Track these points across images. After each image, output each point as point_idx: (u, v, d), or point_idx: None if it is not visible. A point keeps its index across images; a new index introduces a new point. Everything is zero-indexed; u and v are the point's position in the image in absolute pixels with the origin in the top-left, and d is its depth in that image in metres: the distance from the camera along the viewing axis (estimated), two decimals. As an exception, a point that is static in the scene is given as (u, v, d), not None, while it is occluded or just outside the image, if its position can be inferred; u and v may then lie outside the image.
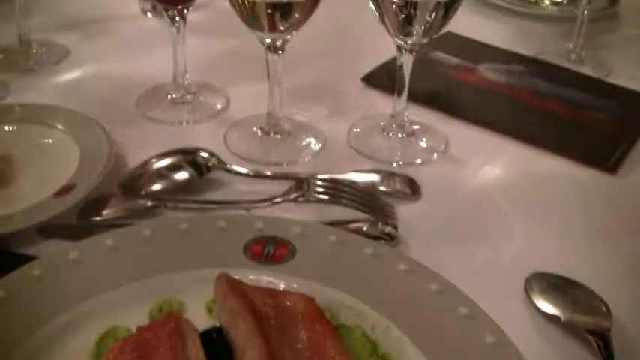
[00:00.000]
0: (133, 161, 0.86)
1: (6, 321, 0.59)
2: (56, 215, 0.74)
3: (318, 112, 0.99)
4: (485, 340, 0.58)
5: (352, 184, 0.81)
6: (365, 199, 0.78)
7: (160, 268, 0.65)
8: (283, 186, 0.81)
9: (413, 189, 0.83)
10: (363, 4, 0.84)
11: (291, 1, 0.80)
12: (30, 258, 0.67)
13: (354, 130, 0.95)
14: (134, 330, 0.59)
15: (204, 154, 0.84)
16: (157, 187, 0.81)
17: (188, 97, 1.01)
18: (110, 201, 0.78)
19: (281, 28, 0.82)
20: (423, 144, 0.94)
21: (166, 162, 0.83)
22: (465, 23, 1.08)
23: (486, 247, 0.76)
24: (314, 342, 0.57)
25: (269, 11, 0.80)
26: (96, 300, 0.62)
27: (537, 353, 0.62)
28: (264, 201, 0.78)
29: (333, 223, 0.74)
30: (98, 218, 0.76)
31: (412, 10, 0.79)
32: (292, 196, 0.78)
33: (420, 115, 0.98)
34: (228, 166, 0.84)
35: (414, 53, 0.86)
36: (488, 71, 1.13)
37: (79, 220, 0.76)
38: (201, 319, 0.60)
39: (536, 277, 0.69)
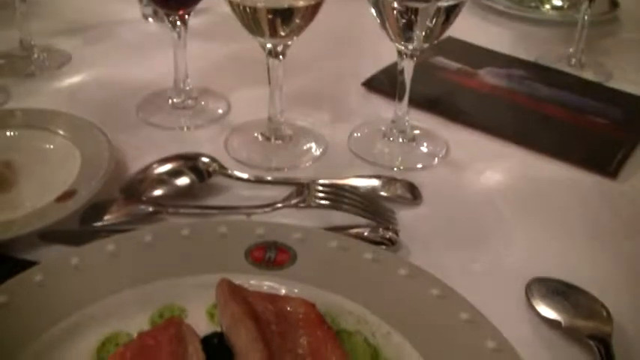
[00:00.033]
0: (134, 166, 0.86)
1: (7, 326, 0.59)
2: (57, 221, 0.74)
3: (319, 117, 0.99)
4: (486, 346, 0.58)
5: (353, 190, 0.81)
6: (366, 204, 0.78)
7: (161, 273, 0.65)
8: (284, 191, 0.81)
9: (414, 194, 0.83)
10: (364, 9, 0.84)
11: (292, 6, 0.81)
12: (31, 263, 0.67)
13: (355, 135, 0.95)
14: (135, 336, 0.59)
15: (206, 160, 0.84)
16: (158, 192, 0.81)
17: (189, 102, 1.01)
18: (111, 206, 0.78)
19: (282, 33, 0.82)
20: (423, 149, 0.94)
21: (167, 167, 0.83)
22: (466, 28, 1.08)
23: (487, 252, 0.76)
24: (315, 347, 0.57)
25: (270, 17, 0.80)
26: (97, 305, 0.62)
27: (538, 358, 0.62)
28: (265, 206, 0.78)
29: (334, 229, 0.74)
30: (99, 223, 0.76)
31: (413, 16, 0.79)
32: (293, 201, 0.78)
33: (420, 120, 0.98)
34: (229, 171, 0.84)
35: (415, 58, 0.86)
36: (488, 76, 1.13)
37: (81, 226, 0.76)
38: (202, 325, 0.60)
39: (536, 282, 0.69)
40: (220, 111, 1.01)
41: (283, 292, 0.64)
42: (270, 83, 0.89)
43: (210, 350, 0.56)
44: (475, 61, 1.17)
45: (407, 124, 0.93)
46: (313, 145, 0.93)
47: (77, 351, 0.59)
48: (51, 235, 0.73)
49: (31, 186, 0.82)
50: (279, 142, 0.92)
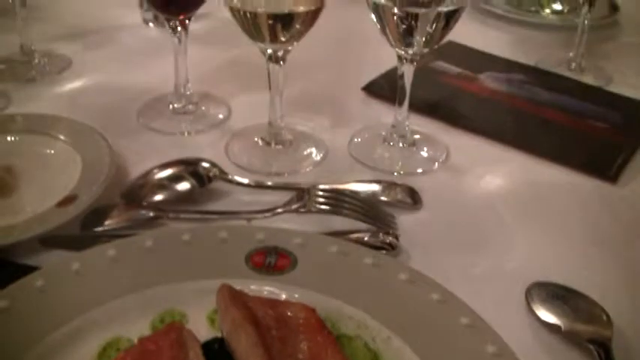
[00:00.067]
0: (135, 171, 0.86)
1: (8, 331, 0.59)
2: (58, 226, 0.74)
3: (319, 122, 1.00)
4: (486, 350, 0.58)
5: (353, 194, 0.81)
6: (366, 209, 0.78)
7: (162, 278, 0.65)
8: (284, 196, 0.81)
9: (414, 199, 0.83)
10: (364, 14, 0.84)
11: (293, 12, 0.81)
12: (32, 268, 0.67)
13: (355, 139, 0.96)
14: (136, 341, 0.59)
15: (206, 165, 0.85)
16: (158, 197, 0.81)
17: (190, 107, 1.01)
18: (112, 211, 0.78)
19: (282, 39, 0.82)
20: (424, 153, 0.94)
21: (168, 172, 0.83)
22: (466, 32, 1.08)
23: (487, 256, 0.76)
24: (315, 353, 0.57)
25: (270, 22, 0.81)
26: (98, 311, 0.62)
27: (538, 363, 0.62)
28: (266, 211, 0.78)
29: (334, 234, 0.74)
30: (100, 228, 0.76)
31: (413, 22, 0.80)
32: (294, 206, 0.78)
33: (420, 125, 0.98)
34: (230, 176, 0.84)
35: (415, 63, 0.86)
36: (488, 80, 1.13)
37: (82, 231, 0.76)
38: (203, 330, 0.60)
39: (536, 287, 0.69)
40: (221, 116, 1.01)
41: (284, 297, 0.64)
42: (270, 88, 0.89)
43: (210, 356, 0.56)
44: (475, 66, 1.17)
45: (407, 128, 0.93)
46: (313, 150, 0.93)
47: (78, 356, 0.59)
48: (52, 240, 0.73)
49: (32, 191, 0.82)
50: (280, 147, 0.93)
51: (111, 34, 1.27)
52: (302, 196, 0.79)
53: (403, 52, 0.85)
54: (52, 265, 0.67)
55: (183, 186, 0.82)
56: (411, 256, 0.74)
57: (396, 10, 0.80)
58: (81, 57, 1.18)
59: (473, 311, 0.62)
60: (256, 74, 0.91)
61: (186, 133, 0.97)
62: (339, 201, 0.79)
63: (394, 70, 0.90)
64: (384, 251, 0.73)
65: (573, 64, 1.18)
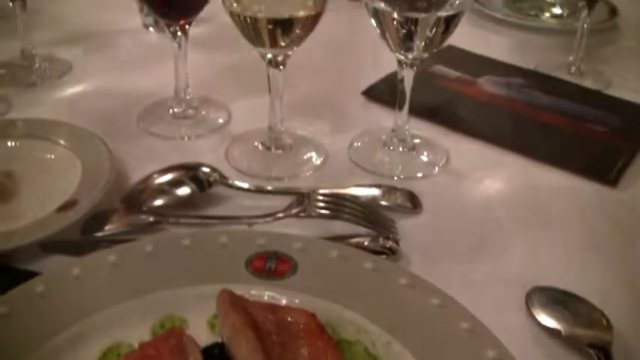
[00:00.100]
0: (135, 176, 0.86)
1: (8, 337, 0.59)
2: (58, 231, 0.74)
3: (319, 127, 1.00)
4: (486, 355, 0.58)
5: (353, 199, 0.81)
6: (366, 213, 0.78)
7: (162, 284, 0.65)
8: (285, 201, 0.81)
9: (414, 203, 0.83)
10: (364, 19, 0.84)
11: (292, 17, 0.81)
12: (33, 274, 0.67)
13: (355, 144, 0.96)
14: (136, 346, 0.59)
15: (206, 169, 0.85)
16: (158, 202, 0.81)
17: (190, 111, 1.01)
18: (112, 216, 0.78)
19: (282, 43, 0.82)
20: (424, 158, 0.94)
21: (168, 177, 0.83)
22: (465, 36, 1.08)
23: (487, 261, 0.76)
24: (315, 358, 0.57)
25: (270, 27, 0.81)
26: (98, 316, 0.62)
27: (538, 368, 0.62)
28: (266, 216, 0.78)
29: (335, 238, 0.74)
30: (100, 233, 0.76)
31: (413, 26, 0.80)
32: (294, 211, 0.78)
33: (420, 129, 0.98)
34: (230, 181, 0.84)
35: (415, 68, 0.86)
36: (488, 84, 1.13)
37: (82, 236, 0.76)
38: (203, 336, 0.61)
39: (536, 291, 0.69)
40: (221, 120, 1.01)
41: (284, 302, 0.64)
42: (270, 93, 0.89)
43: (211, 361, 0.57)
44: (474, 70, 1.17)
45: (407, 133, 0.93)
46: (313, 154, 0.93)
47: (79, 361, 0.59)
48: (52, 246, 0.74)
49: (32, 196, 0.82)
50: (280, 151, 0.93)
51: (111, 39, 1.27)
52: (302, 200, 0.79)
53: (403, 57, 0.85)
54: (53, 271, 0.67)
55: (184, 191, 0.82)
56: (411, 261, 0.74)
57: (395, 15, 0.80)
58: (81, 61, 1.18)
59: (473, 316, 0.62)
60: (256, 79, 0.91)
61: (186, 138, 0.97)
62: (339, 205, 0.79)
63: (394, 74, 0.90)
64: (384, 256, 0.73)
65: (573, 68, 1.18)
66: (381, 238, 0.75)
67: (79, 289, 0.64)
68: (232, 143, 0.95)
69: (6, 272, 0.71)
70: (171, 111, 1.01)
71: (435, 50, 0.85)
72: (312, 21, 0.82)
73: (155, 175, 0.84)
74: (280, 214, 0.78)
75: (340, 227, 0.77)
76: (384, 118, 1.00)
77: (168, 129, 0.98)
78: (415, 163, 0.93)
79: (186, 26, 0.94)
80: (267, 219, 0.78)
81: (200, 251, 0.69)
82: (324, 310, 0.62)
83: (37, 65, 1.14)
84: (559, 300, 0.68)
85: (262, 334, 0.57)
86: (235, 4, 0.81)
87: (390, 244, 0.74)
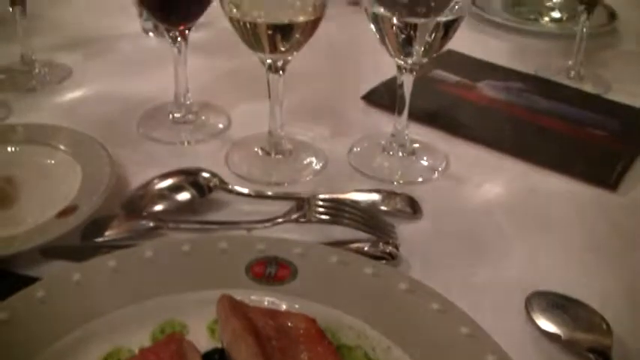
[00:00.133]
0: (135, 181, 0.86)
1: (9, 343, 0.59)
2: (59, 236, 0.74)
3: (319, 132, 1.00)
4: (486, 360, 0.58)
5: (353, 204, 0.81)
6: (366, 218, 0.78)
7: (162, 289, 0.65)
8: (284, 206, 0.81)
9: (414, 208, 0.83)
10: (363, 23, 0.84)
11: (292, 22, 0.81)
12: (33, 279, 0.67)
13: (355, 149, 0.96)
14: (137, 351, 0.59)
15: (206, 175, 0.85)
16: (158, 207, 0.81)
17: (190, 116, 1.01)
18: (112, 222, 0.78)
19: (282, 49, 0.82)
20: (423, 162, 0.94)
21: (168, 182, 0.83)
22: (465, 41, 1.08)
23: (487, 265, 0.76)
24: (316, 363, 0.57)
25: (270, 32, 0.81)
26: (99, 321, 0.62)
27: (538, 372, 0.62)
28: (266, 221, 0.78)
29: (335, 243, 0.74)
30: (100, 239, 0.76)
31: (412, 32, 0.80)
32: (293, 216, 0.79)
33: (420, 134, 0.98)
34: (230, 186, 0.84)
35: (415, 72, 0.86)
36: (487, 88, 1.13)
37: (82, 241, 0.76)
38: (203, 341, 0.61)
39: (536, 296, 0.69)
40: (221, 125, 1.01)
41: (284, 307, 0.64)
42: (270, 98, 0.89)
43: (211, 366, 0.57)
44: (474, 74, 1.17)
45: (406, 137, 0.93)
46: (313, 159, 0.94)
47: (79, 367, 0.59)
48: (52, 251, 0.74)
49: (33, 202, 0.82)
50: (280, 156, 0.93)
51: (111, 44, 1.27)
52: (302, 205, 0.80)
53: (402, 62, 0.85)
54: (53, 276, 0.67)
55: (184, 196, 0.82)
56: (411, 266, 0.74)
57: (395, 21, 0.80)
58: (81, 66, 1.18)
59: (473, 321, 0.62)
60: (256, 84, 0.92)
61: (186, 143, 0.97)
62: (339, 211, 0.79)
63: (393, 79, 0.90)
64: (384, 261, 0.73)
65: (572, 72, 1.18)
66: (380, 243, 0.75)
67: (80, 295, 0.64)
68: (232, 148, 0.95)
69: (6, 278, 0.71)
70: (171, 116, 1.01)
71: (435, 55, 0.85)
72: (312, 26, 0.82)
73: (155, 181, 0.84)
74: (280, 220, 0.79)
75: (340, 232, 0.77)
76: (384, 123, 1.00)
77: (168, 134, 0.99)
78: (415, 168, 0.93)
79: (186, 31, 0.94)
80: (267, 224, 0.78)
81: (200, 257, 0.69)
82: (324, 315, 0.62)
83: (36, 70, 1.14)
84: (559, 304, 0.68)
85: (262, 340, 0.57)
86: (235, 10, 0.82)
87: (389, 249, 0.74)
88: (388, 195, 0.84)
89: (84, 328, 0.61)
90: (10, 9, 1.09)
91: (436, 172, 0.92)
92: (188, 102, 1.01)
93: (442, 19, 0.80)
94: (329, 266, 0.68)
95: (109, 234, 0.77)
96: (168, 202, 0.82)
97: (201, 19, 0.94)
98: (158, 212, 0.81)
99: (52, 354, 0.59)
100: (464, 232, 0.81)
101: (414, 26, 0.80)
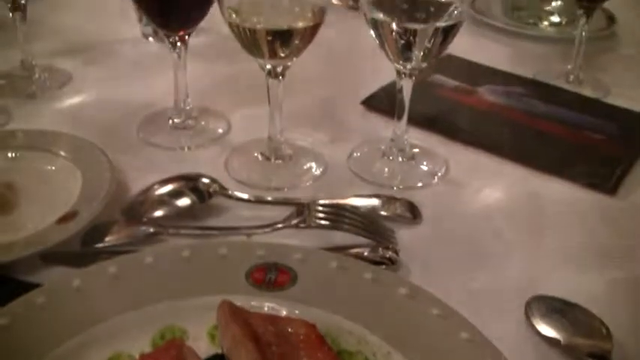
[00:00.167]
0: (135, 187, 0.86)
1: (9, 349, 0.59)
2: (59, 242, 0.74)
3: (319, 137, 1.00)
4: (486, 366, 0.58)
5: (353, 209, 0.81)
6: (366, 224, 0.78)
7: (163, 295, 0.66)
8: (284, 211, 0.81)
9: (413, 213, 0.83)
10: (363, 28, 0.85)
11: (291, 28, 0.81)
12: (33, 285, 0.67)
13: (355, 154, 0.96)
14: (137, 357, 0.60)
15: (206, 180, 0.85)
16: (159, 213, 0.81)
17: (189, 122, 1.01)
18: (113, 227, 0.78)
19: (281, 54, 0.82)
20: (423, 167, 0.94)
21: (168, 188, 0.84)
22: (464, 45, 1.08)
23: (487, 270, 0.76)
24: (316, 369, 0.57)
25: (269, 38, 0.81)
26: (99, 327, 0.62)
27: (538, 377, 0.62)
28: (266, 227, 0.78)
29: (334, 249, 0.74)
30: (101, 245, 0.76)
31: (411, 37, 0.80)
32: (293, 221, 0.79)
33: (420, 139, 0.98)
34: (230, 192, 0.84)
35: (414, 77, 0.87)
36: (487, 93, 1.13)
37: (82, 247, 0.76)
38: (203, 347, 0.61)
39: (536, 301, 0.69)
40: (220, 131, 1.01)
41: (284, 313, 0.64)
42: (269, 103, 0.89)
43: (211, 372, 0.57)
44: (473, 79, 1.17)
45: (406, 142, 0.94)
46: (313, 164, 0.94)
47: (79, 373, 0.59)
48: (52, 257, 0.74)
49: (33, 207, 0.82)
50: (279, 161, 0.93)
51: (111, 49, 1.27)
52: (302, 211, 0.80)
53: (402, 67, 0.85)
54: (53, 282, 0.67)
55: (184, 202, 0.82)
56: (411, 271, 0.74)
57: (394, 26, 0.80)
58: (81, 72, 1.18)
59: (473, 326, 0.62)
60: (256, 89, 0.92)
61: (186, 148, 0.97)
62: (339, 216, 0.79)
63: (393, 83, 0.90)
64: (383, 266, 0.73)
65: (571, 77, 1.18)
66: (380, 249, 0.75)
67: (80, 301, 0.64)
68: (232, 154, 0.95)
69: (6, 284, 0.71)
70: (170, 121, 1.01)
71: (434, 60, 0.85)
72: (311, 32, 0.82)
73: (155, 187, 0.84)
74: (280, 225, 0.79)
75: (340, 238, 0.77)
76: (384, 128, 1.00)
77: (167, 139, 0.99)
78: (414, 173, 0.93)
79: (186, 37, 0.94)
80: (267, 230, 0.78)
81: (200, 262, 0.69)
82: (324, 320, 0.63)
83: (36, 76, 1.14)
84: (558, 309, 0.68)
85: (262, 345, 0.57)
86: (234, 16, 0.82)
87: (389, 254, 0.74)
88: (388, 200, 0.84)
89: (84, 334, 0.62)
90: (11, 14, 1.09)
91: (436, 177, 0.92)
92: (188, 107, 1.01)
93: (441, 24, 0.80)
94: (329, 272, 0.68)
95: (110, 240, 0.77)
96: (169, 208, 0.82)
97: (201, 24, 0.94)
98: (158, 218, 0.81)
99: (52, 360, 0.59)
100: (464, 237, 0.82)
101: (414, 32, 0.80)
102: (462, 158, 0.96)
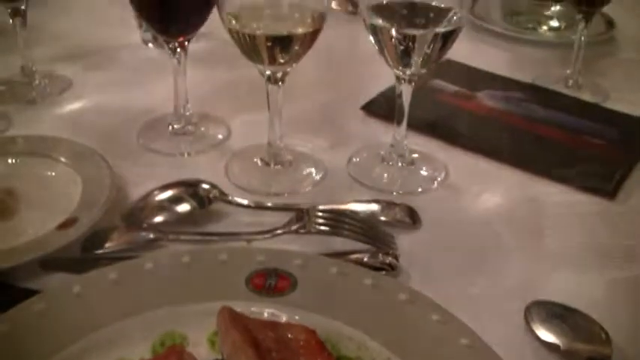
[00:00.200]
0: (135, 193, 0.86)
1: (9, 356, 0.59)
2: (59, 248, 0.74)
3: (319, 142, 1.00)
4: (486, 371, 0.59)
5: (353, 215, 0.81)
6: (365, 229, 0.78)
7: (163, 301, 0.66)
8: (284, 217, 0.81)
9: (413, 218, 0.83)
10: (362, 33, 0.85)
11: (291, 34, 0.81)
12: (33, 292, 0.67)
13: (354, 159, 0.96)
14: (137, 364, 0.60)
15: (206, 186, 0.85)
16: (159, 219, 0.81)
17: (189, 127, 1.01)
18: (113, 233, 0.78)
19: (281, 60, 0.83)
20: (423, 172, 0.94)
21: (168, 194, 0.84)
22: (463, 50, 1.08)
23: (486, 276, 0.76)
24: (316, 375, 0.57)
25: (269, 44, 0.81)
26: (99, 333, 0.62)
27: (538, 383, 0.62)
28: (266, 232, 0.78)
29: (334, 254, 0.74)
30: (101, 251, 0.76)
31: (411, 43, 0.80)
32: (293, 227, 0.79)
33: (419, 144, 0.98)
34: (230, 197, 0.85)
35: (413, 83, 0.87)
36: (486, 98, 1.13)
37: (82, 253, 0.76)
38: (203, 353, 0.61)
39: (535, 306, 0.69)
40: (220, 136, 1.02)
41: (284, 319, 0.64)
42: (269, 109, 0.89)
43: (211, 378, 0.57)
44: (473, 84, 1.17)
45: (405, 148, 0.94)
46: (313, 170, 0.94)
47: (79, 380, 0.59)
48: (52, 263, 0.74)
49: (33, 213, 0.82)
50: (279, 167, 0.93)
51: (111, 55, 1.27)
52: (301, 216, 0.80)
53: (401, 73, 0.85)
54: (53, 289, 0.67)
55: (184, 207, 0.83)
56: (411, 276, 0.74)
57: (393, 32, 0.80)
58: (81, 78, 1.18)
59: (472, 331, 0.62)
60: (255, 95, 0.92)
61: (185, 154, 0.97)
62: (339, 221, 0.79)
63: (392, 89, 0.90)
64: (383, 272, 0.73)
65: (570, 81, 1.18)
66: (380, 254, 0.75)
67: (80, 307, 0.64)
68: (232, 159, 0.95)
69: (6, 290, 0.71)
70: (170, 127, 1.01)
71: (433, 66, 0.85)
72: (311, 38, 0.82)
73: (155, 192, 0.84)
74: (280, 231, 0.79)
75: (340, 243, 0.77)
76: (383, 133, 1.00)
77: (167, 145, 0.99)
78: (414, 178, 0.93)
79: (186, 43, 0.95)
80: (267, 235, 0.78)
81: (200, 268, 0.69)
82: (324, 326, 0.63)
83: (37, 82, 1.14)
84: (558, 314, 0.68)
85: (262, 352, 0.57)
86: (234, 22, 0.82)
87: (389, 259, 0.74)
88: (388, 205, 0.84)
89: (84, 340, 0.62)
90: (11, 20, 1.09)
91: (435, 182, 0.92)
92: (188, 113, 1.01)
93: (440, 30, 0.80)
94: (329, 277, 0.68)
95: (110, 246, 0.77)
96: (169, 214, 0.82)
97: (201, 30, 0.94)
98: (158, 224, 0.81)
99: (52, 367, 0.59)
100: (463, 242, 0.82)
101: (413, 37, 0.80)
102: (462, 163, 0.96)
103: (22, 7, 1.08)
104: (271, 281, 0.68)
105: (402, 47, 0.81)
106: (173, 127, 1.01)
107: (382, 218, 0.82)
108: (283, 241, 0.78)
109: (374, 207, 0.84)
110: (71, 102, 1.12)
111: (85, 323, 0.63)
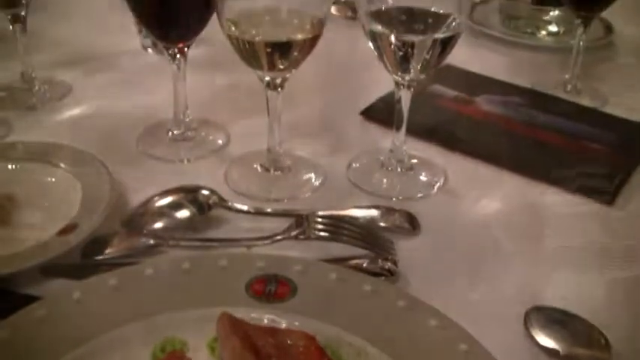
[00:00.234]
0: (135, 199, 0.86)
1: (10, 362, 0.60)
2: (59, 255, 0.74)
3: (318, 148, 1.00)
4: (485, 377, 0.59)
5: (352, 221, 0.81)
6: (365, 235, 0.78)
7: (163, 307, 0.66)
8: (284, 223, 0.81)
9: (412, 224, 0.83)
10: (361, 39, 0.85)
11: (290, 40, 0.81)
12: (33, 298, 0.67)
13: (354, 165, 0.96)
14: (138, 370, 0.60)
15: (206, 192, 0.85)
16: (158, 225, 0.82)
17: (189, 133, 1.01)
18: (113, 240, 0.78)
19: (280, 66, 0.83)
20: (422, 178, 0.94)
21: (168, 200, 0.84)
22: (462, 55, 1.08)
23: (486, 281, 0.76)
24: (315, 381, 0.57)
25: (268, 50, 0.81)
26: (99, 340, 0.62)
27: (537, 388, 0.63)
28: (265, 238, 0.79)
29: (334, 260, 0.74)
30: (101, 257, 0.77)
31: (410, 49, 0.80)
32: (293, 233, 0.79)
33: (418, 149, 0.98)
34: (229, 203, 0.85)
35: (412, 89, 0.87)
36: (485, 103, 1.14)
37: (82, 259, 0.76)
38: (203, 359, 0.61)
39: (535, 311, 0.69)
40: (220, 142, 1.02)
41: (284, 325, 0.64)
42: (269, 114, 0.89)
43: (211, 385, 0.57)
44: (472, 89, 1.17)
45: (405, 153, 0.94)
46: (312, 175, 0.94)
47: (80, 386, 0.59)
48: (52, 269, 0.74)
49: (33, 220, 0.83)
50: (279, 173, 0.93)
51: (110, 61, 1.27)
52: (301, 222, 0.80)
53: (400, 79, 0.85)
54: (53, 295, 0.67)
55: (183, 214, 0.83)
56: (410, 282, 0.75)
57: (392, 38, 0.80)
58: (81, 83, 1.18)
59: (472, 337, 0.62)
60: (255, 100, 0.92)
61: (185, 160, 0.97)
62: (338, 227, 0.79)
63: (392, 94, 0.90)
64: (383, 277, 0.73)
65: (569, 86, 1.18)
66: (379, 260, 0.75)
67: (80, 313, 0.65)
68: (231, 165, 0.95)
69: (6, 296, 0.71)
70: (170, 133, 1.01)
71: (432, 71, 0.85)
72: (310, 44, 0.83)
73: (155, 198, 0.84)
74: (279, 237, 0.79)
75: (339, 249, 0.77)
76: (382, 139, 1.00)
77: (167, 151, 0.99)
78: (413, 184, 0.93)
79: (185, 49, 0.95)
80: (267, 241, 0.78)
81: (200, 274, 0.69)
82: (324, 332, 0.63)
83: (37, 88, 1.14)
84: (557, 319, 0.68)
85: (262, 358, 0.58)
86: (233, 28, 0.82)
87: (388, 265, 0.74)
88: (387, 211, 0.84)
89: (85, 347, 0.62)
90: (11, 27, 1.09)
91: (434, 188, 0.92)
92: (187, 119, 1.01)
93: (439, 35, 0.81)
94: (328, 283, 0.68)
95: (110, 252, 0.77)
96: (168, 220, 0.82)
97: (201, 36, 0.94)
98: (158, 230, 0.81)
99: (53, 373, 0.59)
100: (463, 248, 0.82)
101: (412, 43, 0.80)
102: (461, 168, 0.96)
103: (22, 14, 1.08)
104: (271, 287, 0.68)
105: (401, 53, 0.81)
106: (173, 133, 1.01)
107: (381, 224, 0.83)
108: (283, 246, 0.78)
109: (373, 213, 0.84)
110: (71, 108, 1.12)
111: (85, 329, 0.63)
